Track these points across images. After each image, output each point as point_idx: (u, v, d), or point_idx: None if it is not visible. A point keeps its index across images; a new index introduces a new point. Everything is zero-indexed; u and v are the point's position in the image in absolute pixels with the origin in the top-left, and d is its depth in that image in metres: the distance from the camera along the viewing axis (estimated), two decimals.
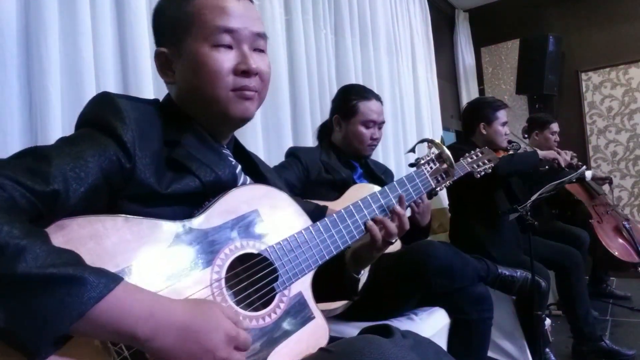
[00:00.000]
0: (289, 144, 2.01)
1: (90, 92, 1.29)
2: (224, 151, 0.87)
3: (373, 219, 0.89)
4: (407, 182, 0.98)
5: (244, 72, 0.79)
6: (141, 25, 1.46)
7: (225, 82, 0.79)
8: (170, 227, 0.68)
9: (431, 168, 1.04)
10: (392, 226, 0.90)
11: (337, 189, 1.63)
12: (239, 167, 0.88)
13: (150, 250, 0.65)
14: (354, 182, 1.71)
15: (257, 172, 0.94)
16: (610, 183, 3.16)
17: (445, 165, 1.05)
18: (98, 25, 1.36)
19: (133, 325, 0.55)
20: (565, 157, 2.46)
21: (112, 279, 0.55)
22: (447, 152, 1.05)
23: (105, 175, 0.67)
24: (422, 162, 1.05)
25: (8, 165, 0.60)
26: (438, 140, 1.08)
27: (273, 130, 2.00)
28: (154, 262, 0.65)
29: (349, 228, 0.86)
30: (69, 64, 1.28)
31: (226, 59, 0.79)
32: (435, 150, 1.07)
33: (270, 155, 1.94)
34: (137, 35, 1.45)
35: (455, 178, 1.16)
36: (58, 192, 0.60)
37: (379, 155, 2.62)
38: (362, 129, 1.73)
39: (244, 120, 0.84)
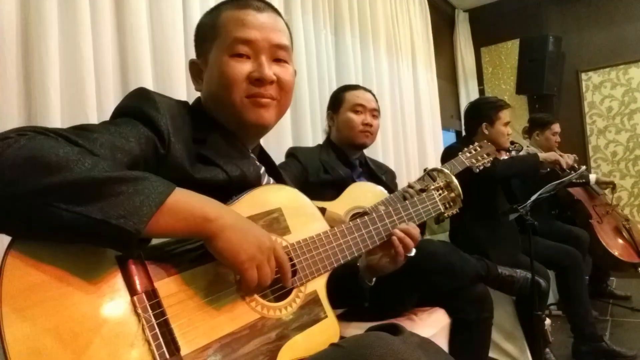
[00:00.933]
0: (289, 144, 2.01)
1: (90, 92, 1.30)
2: (249, 153, 0.92)
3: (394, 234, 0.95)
4: (419, 203, 1.06)
5: (257, 79, 0.84)
6: (141, 26, 1.46)
7: (240, 89, 0.84)
8: None
9: (440, 195, 1.12)
10: (411, 243, 0.96)
11: (336, 188, 1.63)
12: (263, 168, 0.94)
13: None
14: (353, 181, 1.71)
15: (280, 178, 1.00)
16: (614, 188, 3.12)
17: (453, 194, 1.13)
18: (98, 25, 1.36)
19: (202, 207, 0.65)
20: (568, 160, 2.46)
21: (169, 182, 0.64)
22: (456, 181, 1.14)
23: (143, 156, 0.71)
24: (432, 187, 1.14)
25: (57, 129, 0.64)
26: (447, 170, 1.17)
27: (273, 130, 1.98)
28: (181, 245, 0.68)
29: (363, 237, 0.92)
30: (69, 64, 1.28)
31: (242, 68, 0.84)
32: (444, 180, 1.15)
33: (270, 155, 1.93)
34: (137, 35, 1.44)
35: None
36: (104, 157, 0.64)
37: (379, 155, 2.62)
38: (352, 115, 1.74)
39: (259, 126, 0.89)
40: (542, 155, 2.39)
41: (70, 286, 0.57)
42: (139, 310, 0.60)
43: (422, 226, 1.76)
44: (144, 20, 1.46)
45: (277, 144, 1.99)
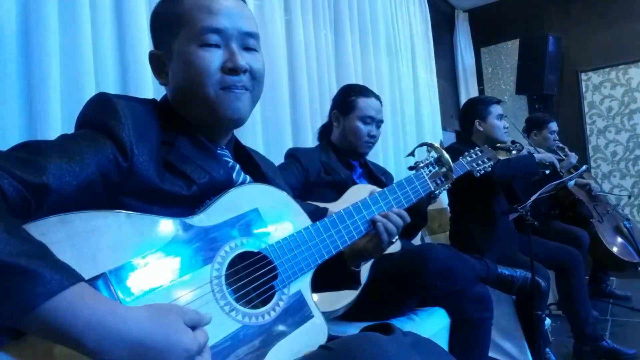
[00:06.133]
0: (289, 144, 2.01)
1: (90, 92, 1.29)
2: (219, 152, 0.87)
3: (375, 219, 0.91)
4: (407, 184, 0.99)
5: (231, 69, 0.79)
6: (141, 26, 1.46)
7: (214, 80, 0.79)
8: (170, 224, 0.69)
9: (430, 171, 1.05)
10: (392, 227, 0.92)
11: (337, 190, 1.63)
12: (237, 167, 0.89)
13: (151, 246, 0.66)
14: (354, 183, 1.70)
15: (258, 171, 0.94)
16: (588, 170, 3.10)
17: (444, 169, 1.06)
18: (98, 25, 1.36)
19: (80, 332, 0.50)
20: (570, 161, 2.45)
21: (68, 277, 0.51)
22: (446, 155, 1.06)
23: (101, 172, 0.68)
24: (421, 165, 1.05)
25: (2, 156, 0.60)
26: (437, 144, 1.08)
27: (273, 130, 2.00)
28: (155, 258, 0.65)
29: (348, 229, 0.87)
30: (69, 64, 1.27)
31: (214, 58, 0.79)
32: (434, 154, 1.08)
33: (270, 155, 1.91)
34: (137, 35, 1.45)
35: (455, 177, 1.16)
36: (49, 185, 0.60)
37: (379, 155, 2.62)
38: (360, 125, 1.73)
39: (235, 120, 0.83)
40: (538, 156, 2.39)
41: None
42: None
43: (424, 213, 1.75)
44: (143, 21, 1.46)
45: (277, 144, 1.99)
